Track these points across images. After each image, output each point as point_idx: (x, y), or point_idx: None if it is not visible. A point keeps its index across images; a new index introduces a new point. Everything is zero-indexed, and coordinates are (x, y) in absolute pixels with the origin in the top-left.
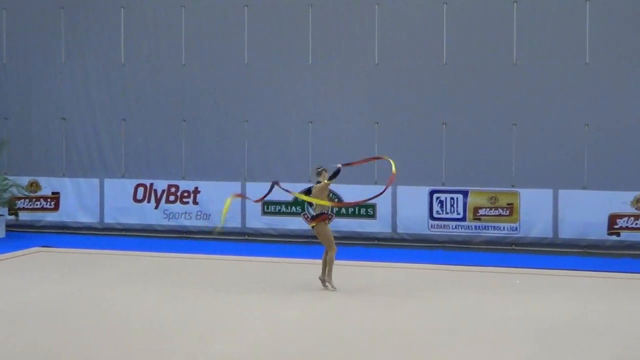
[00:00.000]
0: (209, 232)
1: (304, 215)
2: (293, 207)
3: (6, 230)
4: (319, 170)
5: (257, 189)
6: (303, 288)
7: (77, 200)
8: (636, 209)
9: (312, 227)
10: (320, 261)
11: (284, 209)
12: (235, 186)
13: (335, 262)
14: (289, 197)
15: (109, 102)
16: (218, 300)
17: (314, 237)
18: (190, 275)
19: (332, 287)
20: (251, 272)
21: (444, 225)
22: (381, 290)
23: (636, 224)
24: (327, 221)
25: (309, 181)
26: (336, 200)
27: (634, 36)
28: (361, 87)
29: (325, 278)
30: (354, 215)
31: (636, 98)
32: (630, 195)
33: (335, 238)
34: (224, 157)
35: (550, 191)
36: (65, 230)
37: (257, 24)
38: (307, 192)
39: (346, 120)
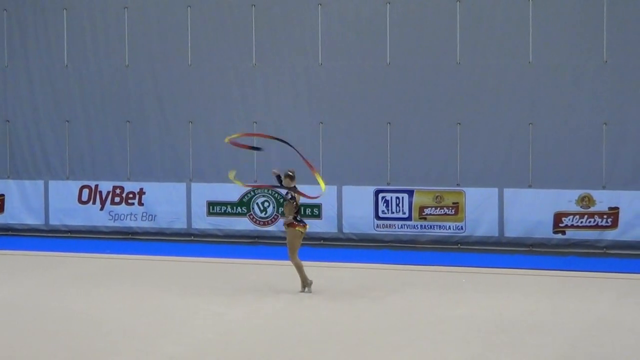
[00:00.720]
0: (156, 234)
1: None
2: (239, 208)
3: None
4: (292, 174)
5: (202, 190)
6: (249, 288)
7: (22, 202)
8: (581, 207)
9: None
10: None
11: (229, 209)
12: (181, 187)
13: (281, 262)
14: (234, 198)
15: (52, 103)
16: (165, 301)
17: (260, 237)
18: (136, 277)
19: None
20: (197, 273)
21: (390, 224)
22: (328, 290)
23: (581, 222)
24: (295, 227)
25: (255, 181)
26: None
27: (576, 35)
28: (305, 87)
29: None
30: (305, 215)
31: (580, 96)
32: (575, 194)
33: (279, 238)
34: (169, 158)
35: (495, 190)
36: (10, 233)
37: (200, 24)
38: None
39: (291, 121)
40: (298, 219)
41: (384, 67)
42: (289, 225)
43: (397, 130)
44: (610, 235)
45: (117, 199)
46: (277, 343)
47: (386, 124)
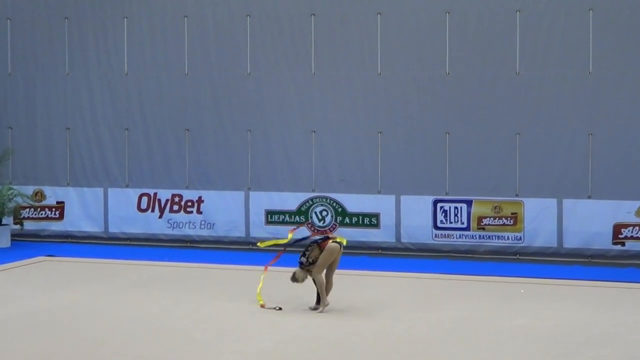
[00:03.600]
0: (214, 242)
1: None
2: (297, 217)
3: (11, 240)
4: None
5: (260, 198)
6: (306, 297)
7: (82, 209)
8: None
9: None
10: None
11: (287, 218)
12: (239, 195)
13: (340, 271)
14: (293, 207)
15: (112, 111)
16: (223, 308)
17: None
18: (194, 284)
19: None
20: (255, 282)
21: (448, 234)
22: (386, 300)
23: None
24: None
25: (313, 190)
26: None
27: (637, 44)
28: (364, 97)
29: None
30: (357, 225)
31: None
32: (635, 205)
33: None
34: (228, 166)
35: (554, 200)
36: (69, 240)
37: (259, 33)
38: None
39: (349, 130)
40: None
41: (442, 77)
42: (321, 246)
43: (456, 140)
44: None
45: (175, 207)
46: (333, 353)
47: (445, 133)
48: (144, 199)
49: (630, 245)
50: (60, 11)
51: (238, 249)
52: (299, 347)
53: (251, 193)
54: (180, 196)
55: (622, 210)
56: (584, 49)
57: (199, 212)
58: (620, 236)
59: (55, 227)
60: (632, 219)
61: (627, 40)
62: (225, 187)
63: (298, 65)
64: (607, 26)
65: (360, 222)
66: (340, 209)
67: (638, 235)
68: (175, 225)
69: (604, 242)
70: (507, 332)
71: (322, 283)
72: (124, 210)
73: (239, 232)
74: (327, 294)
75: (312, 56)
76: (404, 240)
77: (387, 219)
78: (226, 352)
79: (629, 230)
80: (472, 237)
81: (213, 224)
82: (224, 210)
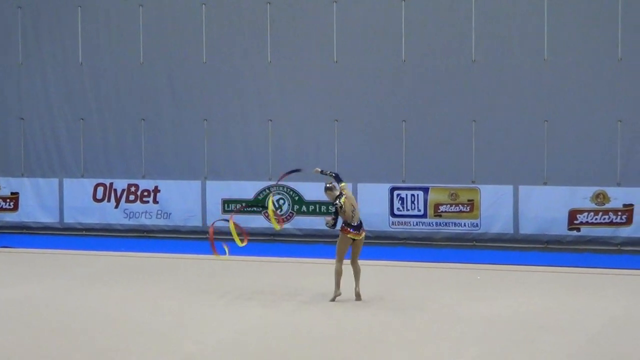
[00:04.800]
0: (171, 231)
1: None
2: (253, 206)
3: None
4: (329, 186)
5: (217, 188)
6: (266, 287)
7: (37, 200)
8: (596, 204)
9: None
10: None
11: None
12: (196, 185)
13: (298, 259)
14: (250, 196)
15: (67, 101)
16: (181, 299)
17: (276, 235)
18: (151, 275)
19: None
20: (213, 271)
21: (405, 222)
22: (342, 288)
23: (596, 219)
24: (345, 233)
25: (270, 179)
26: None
27: (591, 32)
28: (320, 85)
29: (355, 289)
30: (314, 213)
31: (595, 94)
32: (590, 191)
33: (297, 236)
34: (184, 155)
35: (510, 187)
36: (24, 231)
37: (215, 22)
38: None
39: (306, 118)
40: (354, 224)
41: (399, 65)
42: (341, 229)
43: (412, 127)
44: (625, 232)
45: (132, 197)
46: (292, 342)
47: (401, 121)
48: (100, 189)
49: (585, 231)
50: (14, 0)
51: (195, 239)
52: (255, 338)
53: (208, 182)
54: (137, 186)
55: (578, 197)
56: (539, 36)
57: (155, 201)
58: (575, 222)
59: (10, 218)
60: (588, 204)
61: (582, 27)
62: (182, 176)
63: (254, 54)
64: (562, 14)
65: (318, 210)
66: (297, 198)
67: (593, 221)
68: (131, 215)
69: (560, 228)
70: (464, 318)
71: (337, 272)
72: (79, 201)
73: (195, 222)
74: (357, 281)
75: (269, 45)
76: None
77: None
78: (186, 343)
79: (584, 216)
80: (429, 225)
81: (170, 214)
82: (181, 200)
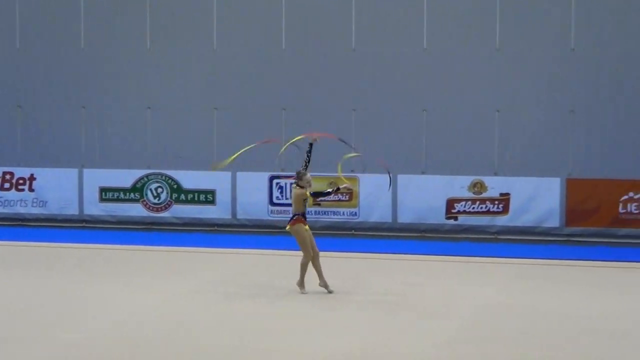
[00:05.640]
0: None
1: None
2: (131, 194)
3: None
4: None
5: (94, 176)
6: (143, 275)
7: None
8: (473, 193)
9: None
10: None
11: (122, 195)
12: (73, 173)
13: (171, 249)
14: (127, 184)
15: None
16: (57, 288)
17: (154, 223)
18: (26, 264)
19: (303, 290)
20: (90, 260)
21: (284, 210)
22: (221, 278)
23: (473, 208)
24: (303, 224)
25: (148, 167)
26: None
27: (470, 22)
28: (200, 73)
29: (320, 283)
30: (192, 201)
31: (472, 83)
32: (468, 180)
33: (172, 225)
34: (61, 143)
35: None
36: None
37: (94, 7)
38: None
39: (185, 106)
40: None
41: (279, 52)
42: (296, 221)
43: (292, 115)
44: (501, 220)
45: (6, 185)
46: (168, 330)
47: (281, 109)
48: None
49: (463, 220)
50: None
51: (71, 227)
52: (133, 326)
53: (85, 170)
54: (12, 174)
55: (456, 186)
56: (418, 26)
57: (31, 189)
58: (453, 211)
59: None
60: (465, 193)
61: (460, 16)
62: (59, 164)
63: (133, 41)
64: (441, 2)
65: (196, 198)
66: (175, 186)
67: (471, 209)
68: (6, 204)
69: (438, 216)
70: (340, 307)
71: (303, 265)
72: None
73: (72, 210)
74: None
75: (148, 31)
76: (239, 216)
77: (223, 196)
78: (62, 332)
79: (462, 205)
80: (308, 213)
81: (46, 202)
82: (57, 188)
